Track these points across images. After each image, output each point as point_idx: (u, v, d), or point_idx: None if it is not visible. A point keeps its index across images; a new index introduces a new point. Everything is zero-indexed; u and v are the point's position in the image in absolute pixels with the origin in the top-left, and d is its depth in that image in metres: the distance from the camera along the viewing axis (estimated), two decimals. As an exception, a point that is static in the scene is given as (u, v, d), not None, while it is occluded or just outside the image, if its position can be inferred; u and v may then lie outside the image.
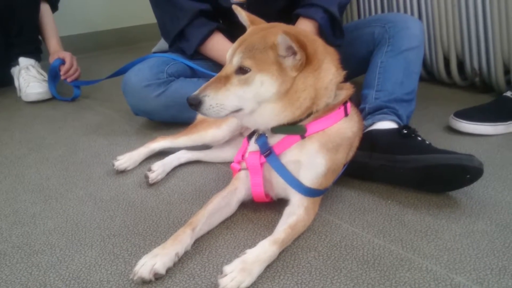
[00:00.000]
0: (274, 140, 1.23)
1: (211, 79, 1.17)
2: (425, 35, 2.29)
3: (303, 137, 1.20)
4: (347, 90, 1.28)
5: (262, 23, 1.29)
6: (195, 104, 1.14)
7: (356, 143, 1.39)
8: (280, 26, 1.21)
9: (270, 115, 1.18)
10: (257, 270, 1.04)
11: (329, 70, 1.20)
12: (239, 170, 1.30)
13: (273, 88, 1.14)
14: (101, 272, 1.09)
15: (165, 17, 1.95)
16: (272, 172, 1.23)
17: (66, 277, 1.08)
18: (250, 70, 1.12)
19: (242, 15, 1.30)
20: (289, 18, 1.84)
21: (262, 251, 1.06)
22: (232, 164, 1.34)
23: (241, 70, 1.13)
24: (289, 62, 1.14)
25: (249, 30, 1.26)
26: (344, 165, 1.34)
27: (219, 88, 1.14)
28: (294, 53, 1.13)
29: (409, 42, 1.68)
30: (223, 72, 1.17)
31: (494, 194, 1.35)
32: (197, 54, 1.96)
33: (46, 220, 1.33)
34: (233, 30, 1.54)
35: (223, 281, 0.99)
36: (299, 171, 1.21)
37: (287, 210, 1.21)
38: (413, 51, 1.67)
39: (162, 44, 2.14)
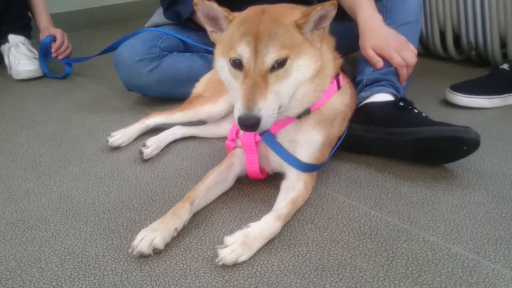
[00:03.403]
0: None
1: (244, 88, 1.01)
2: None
3: (298, 117, 1.17)
4: (336, 60, 1.24)
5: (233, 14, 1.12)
6: (254, 125, 0.98)
7: (349, 114, 1.38)
8: (273, 7, 1.11)
9: (303, 99, 1.12)
10: (257, 245, 1.03)
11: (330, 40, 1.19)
12: (234, 148, 1.28)
13: (310, 69, 1.07)
14: (97, 247, 1.08)
15: None
16: (268, 148, 1.21)
17: (61, 252, 1.07)
18: (287, 59, 1.03)
19: (214, 7, 1.09)
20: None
21: (267, 227, 1.05)
22: (226, 142, 1.32)
23: (276, 64, 1.02)
24: (309, 36, 1.07)
25: (238, 22, 1.08)
26: (339, 138, 1.32)
27: (265, 94, 1.00)
28: (315, 26, 1.07)
29: (406, 16, 1.65)
30: (255, 75, 1.01)
31: (490, 166, 1.35)
32: (190, 22, 1.92)
33: (40, 196, 1.32)
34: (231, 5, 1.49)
35: (222, 252, 0.99)
36: (296, 149, 1.20)
37: (285, 185, 1.20)
38: (410, 25, 1.65)
39: (155, 19, 2.09)
